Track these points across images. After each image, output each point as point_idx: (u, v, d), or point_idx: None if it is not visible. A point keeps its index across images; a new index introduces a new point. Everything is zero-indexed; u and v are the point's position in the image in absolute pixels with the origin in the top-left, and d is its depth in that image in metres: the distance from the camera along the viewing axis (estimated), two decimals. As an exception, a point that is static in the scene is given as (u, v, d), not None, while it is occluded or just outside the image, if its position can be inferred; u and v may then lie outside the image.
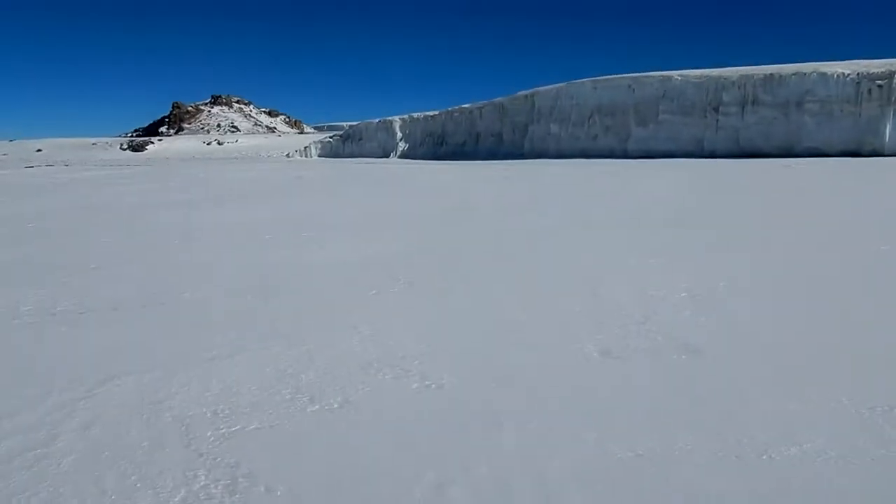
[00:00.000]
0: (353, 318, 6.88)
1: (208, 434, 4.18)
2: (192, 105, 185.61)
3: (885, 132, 53.52)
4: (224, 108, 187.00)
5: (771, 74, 59.67)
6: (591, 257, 10.14)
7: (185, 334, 6.41)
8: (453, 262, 10.15)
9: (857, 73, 55.12)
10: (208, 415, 4.47)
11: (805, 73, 57.66)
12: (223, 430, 4.22)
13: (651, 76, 67.49)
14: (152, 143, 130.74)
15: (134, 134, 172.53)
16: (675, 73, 66.29)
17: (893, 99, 52.65)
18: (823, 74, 56.61)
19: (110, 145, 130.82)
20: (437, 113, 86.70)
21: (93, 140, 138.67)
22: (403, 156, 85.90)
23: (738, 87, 61.02)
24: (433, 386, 4.93)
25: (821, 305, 7.10)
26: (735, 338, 5.97)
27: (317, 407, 4.58)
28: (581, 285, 8.19)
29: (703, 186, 23.94)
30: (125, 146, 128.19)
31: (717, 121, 61.90)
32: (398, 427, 4.26)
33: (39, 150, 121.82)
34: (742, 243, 11.22)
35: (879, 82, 54.48)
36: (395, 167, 49.07)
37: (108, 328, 6.72)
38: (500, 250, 11.06)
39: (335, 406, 4.59)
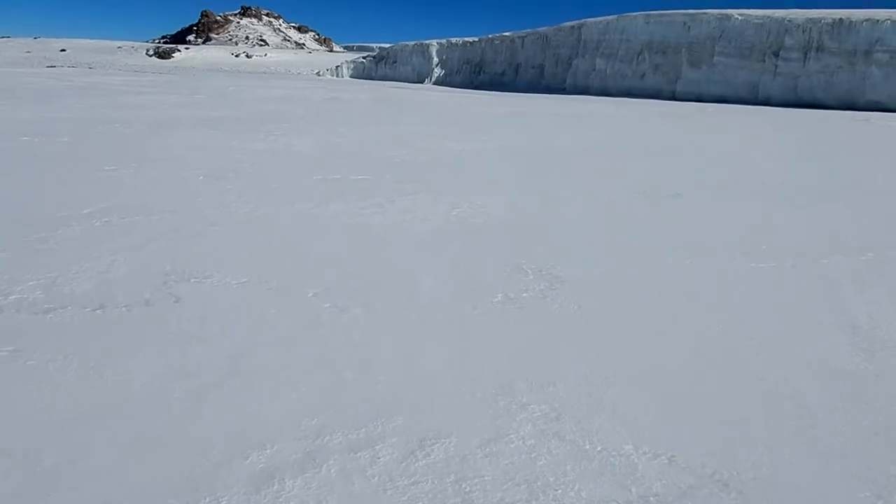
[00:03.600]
0: (482, 354, 4.07)
1: None
2: (222, 15, 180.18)
3: (960, 89, 49.49)
4: (253, 20, 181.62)
5: (840, 19, 55.33)
6: (772, 245, 7.13)
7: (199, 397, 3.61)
8: (575, 235, 7.25)
9: (936, 24, 50.77)
10: None
11: (878, 20, 53.29)
12: None
13: (708, 13, 63.21)
14: (179, 51, 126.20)
15: (161, 40, 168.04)
16: (734, 12, 62.01)
17: (974, 53, 48.51)
18: (898, 22, 52.29)
19: (136, 50, 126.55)
20: (476, 39, 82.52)
21: (118, 44, 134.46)
22: (439, 82, 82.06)
23: (803, 31, 56.79)
24: None
25: None
26: None
27: None
28: (815, 299, 5.28)
29: (809, 142, 20.59)
30: (151, 52, 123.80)
31: (776, 66, 57.79)
32: None
33: (63, 51, 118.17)
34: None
35: (960, 33, 50.37)
36: (437, 95, 45.49)
37: (75, 361, 3.92)
38: (627, 219, 8.13)
39: None
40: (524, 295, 5.35)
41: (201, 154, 12.39)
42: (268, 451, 3.07)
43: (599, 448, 3.20)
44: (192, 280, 5.32)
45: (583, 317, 4.94)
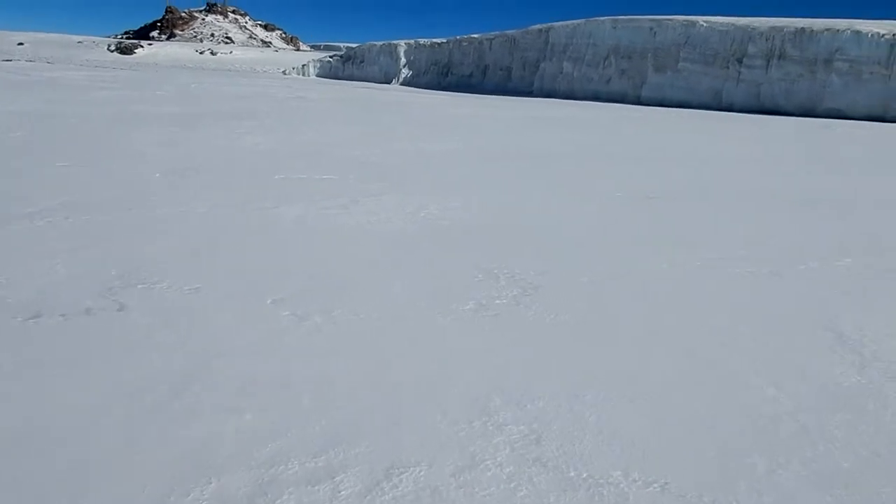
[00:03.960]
0: (454, 368, 3.75)
1: None
2: (187, 11, 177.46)
3: (914, 98, 50.34)
4: (219, 17, 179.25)
5: (802, 28, 56.11)
6: (750, 251, 6.91)
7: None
8: (547, 239, 6.95)
9: (893, 34, 51.56)
10: None
11: (838, 30, 54.12)
12: None
13: (674, 20, 63.81)
14: (142, 46, 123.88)
15: (123, 36, 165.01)
16: (700, 19, 62.68)
17: (928, 64, 49.45)
18: (857, 32, 53.06)
19: (97, 45, 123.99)
20: (444, 41, 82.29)
21: (78, 38, 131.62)
22: (406, 83, 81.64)
23: (766, 39, 57.55)
24: None
25: None
26: None
27: None
28: (801, 307, 5.04)
29: (781, 148, 20.59)
30: (113, 48, 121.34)
31: (740, 73, 58.47)
32: None
33: (21, 44, 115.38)
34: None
35: (915, 45, 51.27)
36: (405, 95, 45.10)
37: None
38: (600, 223, 7.86)
39: None
40: (497, 302, 5.04)
41: (160, 151, 11.91)
42: (213, 484, 2.71)
43: (585, 475, 2.90)
44: (139, 286, 4.92)
45: (560, 325, 4.64)
